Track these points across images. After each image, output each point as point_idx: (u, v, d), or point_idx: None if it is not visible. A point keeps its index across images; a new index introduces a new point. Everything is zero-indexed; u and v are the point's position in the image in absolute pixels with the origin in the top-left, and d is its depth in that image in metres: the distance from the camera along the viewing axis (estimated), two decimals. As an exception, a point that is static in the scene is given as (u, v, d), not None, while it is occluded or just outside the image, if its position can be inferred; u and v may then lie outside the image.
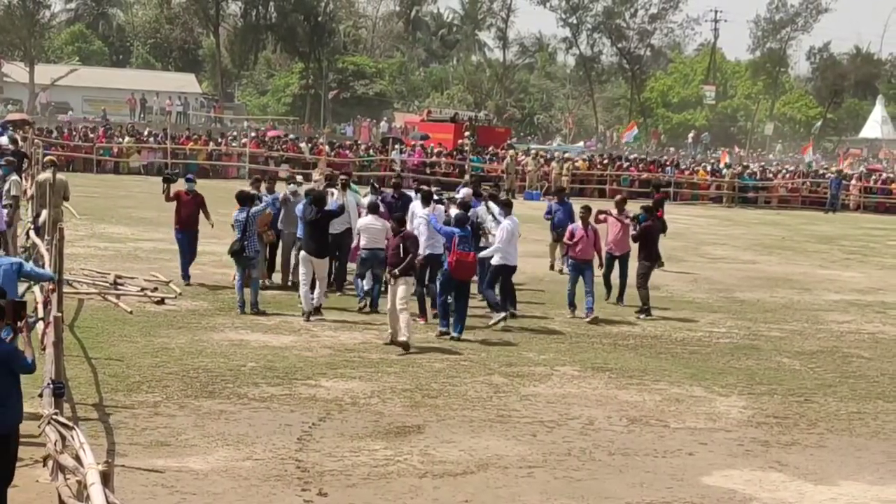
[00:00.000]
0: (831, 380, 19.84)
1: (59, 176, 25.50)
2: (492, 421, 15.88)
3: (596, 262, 24.64)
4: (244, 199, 23.72)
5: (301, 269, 22.69)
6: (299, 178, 27.31)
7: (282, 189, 26.64)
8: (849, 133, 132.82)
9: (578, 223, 24.65)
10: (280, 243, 26.05)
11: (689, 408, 17.31)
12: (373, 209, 23.31)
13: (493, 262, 22.96)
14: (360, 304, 23.74)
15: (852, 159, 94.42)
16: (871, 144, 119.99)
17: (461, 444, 14.69)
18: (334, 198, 24.08)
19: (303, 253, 22.57)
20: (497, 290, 23.25)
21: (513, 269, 23.33)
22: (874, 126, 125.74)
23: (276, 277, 26.27)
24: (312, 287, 22.60)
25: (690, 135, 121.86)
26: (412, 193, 26.74)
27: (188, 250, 25.91)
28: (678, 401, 17.67)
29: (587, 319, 23.59)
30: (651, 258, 25.28)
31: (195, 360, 18.46)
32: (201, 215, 25.93)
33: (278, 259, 26.35)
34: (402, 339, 20.00)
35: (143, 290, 23.74)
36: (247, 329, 21.26)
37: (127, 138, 62.33)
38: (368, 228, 22.87)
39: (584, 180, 63.91)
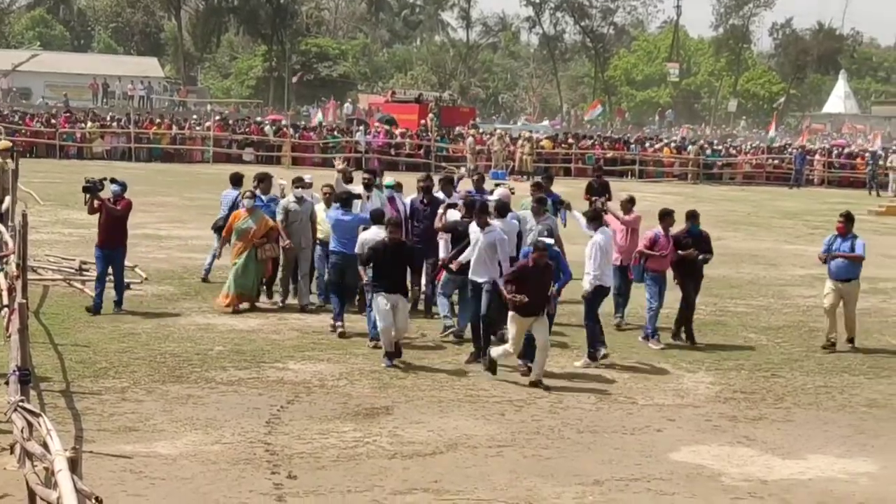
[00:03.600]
0: (798, 354, 19.93)
1: None
2: (460, 401, 15.88)
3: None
4: (237, 181, 23.55)
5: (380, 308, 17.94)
6: (307, 177, 22.70)
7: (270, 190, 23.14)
8: (812, 108, 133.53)
9: (659, 228, 20.54)
10: (282, 260, 22.29)
11: (656, 384, 17.36)
12: (377, 219, 19.20)
13: (585, 286, 18.98)
14: (372, 344, 18.96)
15: (810, 134, 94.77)
16: (835, 119, 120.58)
17: (430, 424, 14.69)
18: (365, 202, 21.35)
19: (382, 298, 17.81)
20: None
21: (608, 290, 19.48)
22: (837, 101, 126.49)
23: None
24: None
25: (657, 112, 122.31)
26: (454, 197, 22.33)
27: (115, 269, 20.87)
28: (646, 378, 17.72)
29: (658, 347, 20.03)
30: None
31: (162, 344, 18.40)
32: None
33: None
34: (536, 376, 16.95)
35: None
36: (214, 313, 21.19)
37: (90, 123, 62.04)
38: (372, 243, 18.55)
39: (550, 159, 63.94)
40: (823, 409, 16.55)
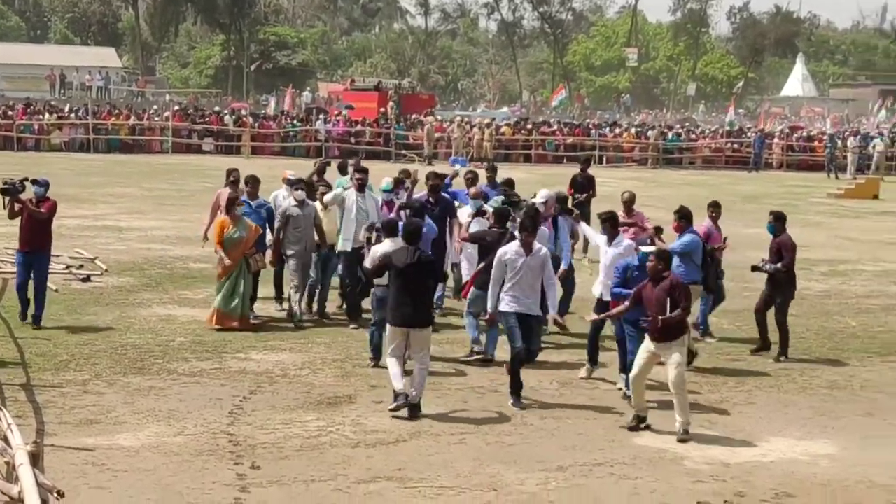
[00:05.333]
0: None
1: None
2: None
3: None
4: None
5: (389, 343, 15.27)
6: (291, 173, 21.28)
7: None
8: (770, 92, 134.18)
9: (709, 222, 20.06)
10: (286, 266, 20.25)
11: (617, 369, 17.35)
12: (391, 230, 16.40)
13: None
14: (372, 363, 17.08)
15: (770, 118, 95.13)
16: (793, 102, 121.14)
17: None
18: (342, 201, 19.97)
19: (391, 329, 15.08)
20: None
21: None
22: (795, 84, 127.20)
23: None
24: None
25: (614, 98, 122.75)
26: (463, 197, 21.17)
27: (36, 277, 18.96)
28: (608, 363, 17.72)
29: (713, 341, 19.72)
30: (793, 283, 19.23)
31: (123, 336, 18.33)
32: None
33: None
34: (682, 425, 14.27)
35: (68, 267, 23.46)
36: (174, 304, 21.13)
37: (48, 115, 61.63)
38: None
39: (510, 146, 64.03)
40: (784, 391, 16.65)
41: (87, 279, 22.88)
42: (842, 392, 16.80)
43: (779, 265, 18.72)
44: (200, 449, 13.01)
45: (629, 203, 20.27)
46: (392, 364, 14.88)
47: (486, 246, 17.44)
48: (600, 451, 13.53)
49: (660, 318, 14.11)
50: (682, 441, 13.98)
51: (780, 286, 18.90)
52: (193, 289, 22.56)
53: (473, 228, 19.20)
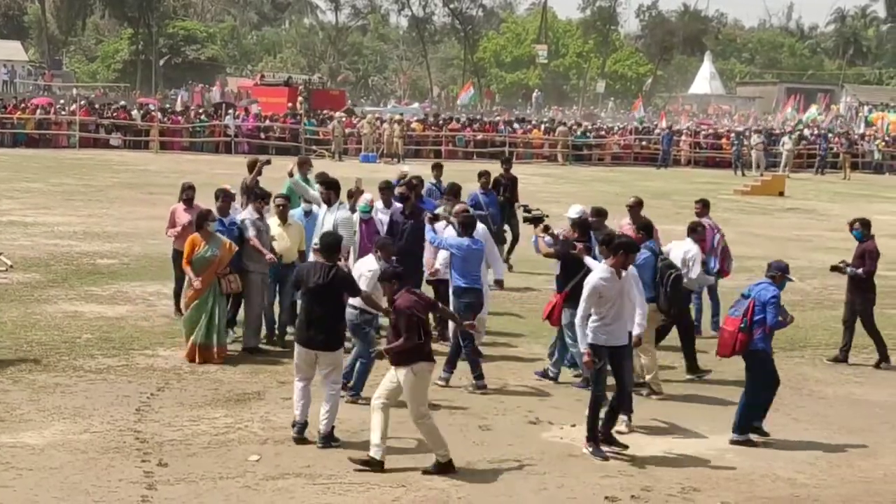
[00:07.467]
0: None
1: None
2: (332, 385, 15.83)
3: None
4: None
5: (296, 362, 13.80)
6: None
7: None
8: (679, 89, 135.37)
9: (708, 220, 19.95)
10: (247, 288, 17.74)
11: (527, 366, 17.44)
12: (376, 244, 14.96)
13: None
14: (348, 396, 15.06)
15: (682, 115, 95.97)
16: (701, 100, 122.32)
17: (302, 409, 14.63)
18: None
19: (298, 348, 13.65)
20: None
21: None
22: (703, 82, 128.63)
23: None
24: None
25: (522, 94, 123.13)
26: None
27: None
28: (517, 359, 17.81)
29: None
30: (872, 288, 18.88)
31: (28, 333, 18.12)
32: None
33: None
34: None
35: (-28, 263, 23.20)
36: (81, 300, 20.93)
37: (-48, 109, 60.74)
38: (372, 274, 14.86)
39: (420, 142, 64.07)
40: (691, 386, 16.80)
41: (-9, 275, 22.61)
42: (747, 386, 16.98)
43: (859, 270, 18.61)
44: (107, 446, 12.91)
45: (636, 208, 19.55)
46: (296, 388, 13.64)
47: (571, 263, 15.84)
48: (508, 446, 13.58)
49: (382, 349, 13.10)
50: (426, 472, 12.58)
51: (861, 291, 18.82)
52: (101, 285, 22.36)
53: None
